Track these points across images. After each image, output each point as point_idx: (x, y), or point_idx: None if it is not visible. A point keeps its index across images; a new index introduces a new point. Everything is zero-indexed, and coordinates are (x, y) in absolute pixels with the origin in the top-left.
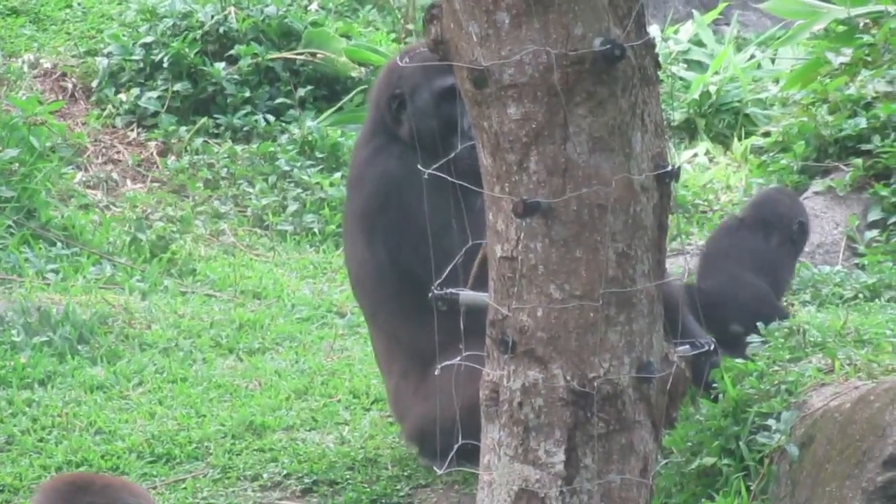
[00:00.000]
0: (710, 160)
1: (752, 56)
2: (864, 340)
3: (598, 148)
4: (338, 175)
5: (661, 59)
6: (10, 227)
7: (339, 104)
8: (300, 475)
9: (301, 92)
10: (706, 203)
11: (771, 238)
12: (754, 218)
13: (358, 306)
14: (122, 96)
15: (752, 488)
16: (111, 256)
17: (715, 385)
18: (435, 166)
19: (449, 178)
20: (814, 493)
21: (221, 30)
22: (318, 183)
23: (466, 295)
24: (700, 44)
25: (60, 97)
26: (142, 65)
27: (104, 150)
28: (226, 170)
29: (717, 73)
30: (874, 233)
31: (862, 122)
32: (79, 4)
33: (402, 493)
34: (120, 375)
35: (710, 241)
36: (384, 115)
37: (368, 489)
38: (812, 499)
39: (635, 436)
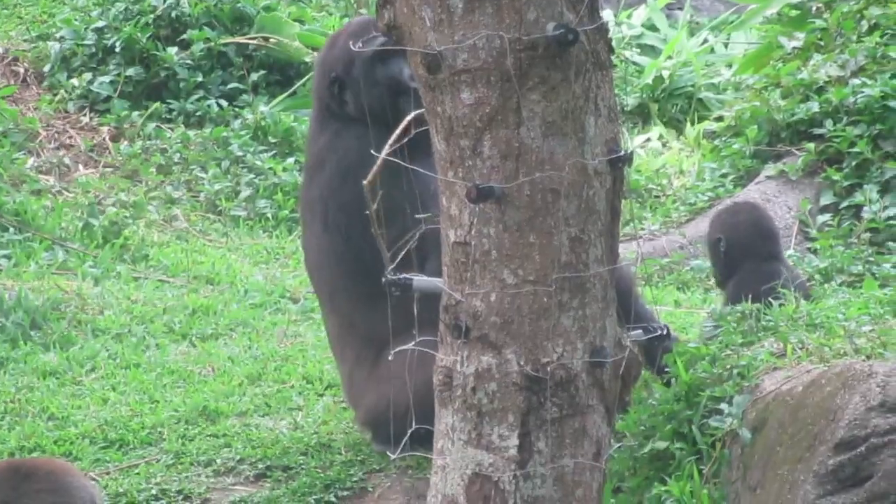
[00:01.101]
0: (664, 145)
1: (705, 41)
2: (816, 324)
3: (552, 132)
4: (291, 160)
5: (614, 43)
6: None
7: (292, 89)
8: (253, 460)
9: (254, 77)
10: (659, 188)
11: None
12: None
13: (313, 291)
14: (75, 81)
15: (704, 472)
16: (64, 242)
17: (668, 369)
18: (387, 148)
19: (402, 162)
20: (765, 476)
21: (174, 14)
22: (271, 168)
23: (420, 280)
24: (653, 28)
25: (12, 82)
26: (94, 49)
27: (56, 136)
28: (178, 155)
29: (670, 57)
30: (826, 217)
31: (814, 107)
32: None
33: (355, 479)
34: (73, 361)
35: None
36: (329, 103)
37: (322, 474)
38: (764, 482)
39: (588, 420)
